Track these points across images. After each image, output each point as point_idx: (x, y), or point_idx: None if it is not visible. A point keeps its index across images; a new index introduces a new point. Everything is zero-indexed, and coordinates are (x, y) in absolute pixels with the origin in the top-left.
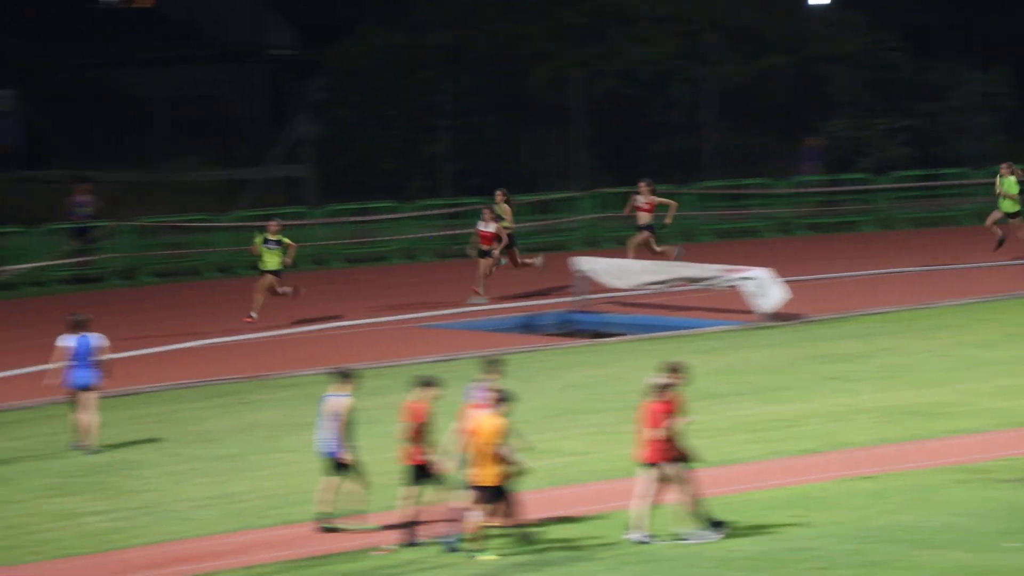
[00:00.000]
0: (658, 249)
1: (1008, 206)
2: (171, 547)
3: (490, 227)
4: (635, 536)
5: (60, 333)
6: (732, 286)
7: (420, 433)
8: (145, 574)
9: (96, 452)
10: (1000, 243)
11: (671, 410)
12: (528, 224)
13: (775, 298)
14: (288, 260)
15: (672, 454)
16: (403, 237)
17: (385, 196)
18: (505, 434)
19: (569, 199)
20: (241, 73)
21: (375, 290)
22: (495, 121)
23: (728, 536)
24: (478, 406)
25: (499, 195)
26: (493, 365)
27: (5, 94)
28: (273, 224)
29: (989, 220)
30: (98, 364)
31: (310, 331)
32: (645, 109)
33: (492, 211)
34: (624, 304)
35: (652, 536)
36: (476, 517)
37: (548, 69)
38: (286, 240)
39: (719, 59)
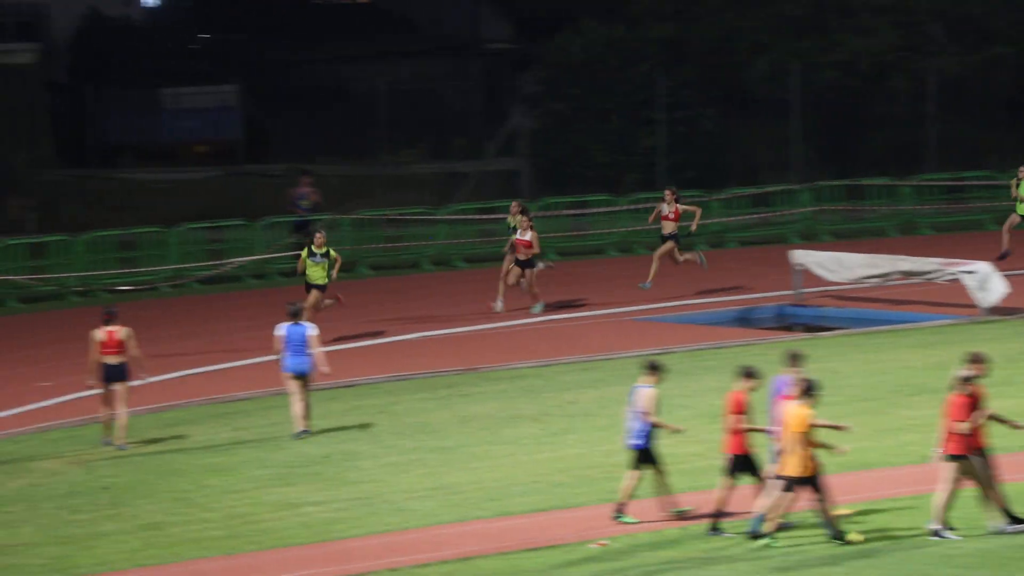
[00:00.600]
0: (681, 258)
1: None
2: (389, 538)
3: (527, 235)
4: (933, 527)
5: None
6: (952, 280)
7: (740, 424)
8: (364, 564)
9: (303, 436)
10: (1003, 255)
11: (974, 402)
12: (745, 217)
13: (996, 292)
14: (334, 274)
15: (975, 446)
16: (618, 230)
17: (600, 189)
18: (813, 424)
19: (787, 192)
20: (457, 67)
21: (590, 282)
22: (712, 114)
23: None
24: (786, 397)
25: (514, 206)
26: (797, 358)
27: (228, 89)
28: (319, 237)
29: (1006, 225)
30: (311, 352)
31: (526, 324)
32: (865, 101)
33: (529, 218)
34: (842, 298)
35: (949, 528)
36: (783, 506)
37: (766, 61)
38: (333, 253)
39: (941, 50)
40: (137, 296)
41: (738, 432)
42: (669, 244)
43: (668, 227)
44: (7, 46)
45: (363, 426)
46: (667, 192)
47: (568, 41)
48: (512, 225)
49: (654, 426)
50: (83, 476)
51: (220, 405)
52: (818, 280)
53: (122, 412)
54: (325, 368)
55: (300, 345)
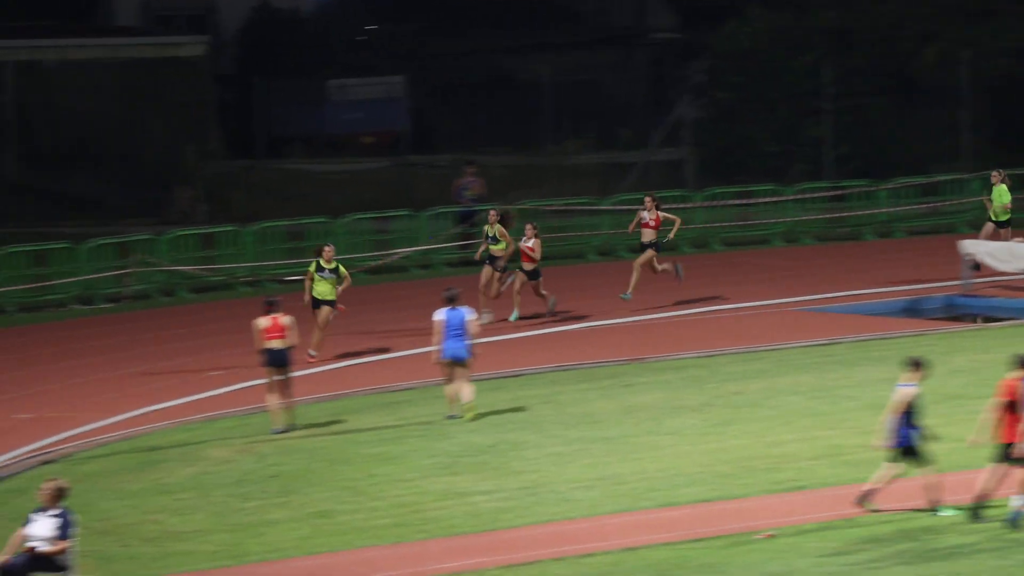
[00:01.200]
0: (660, 268)
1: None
2: (554, 527)
3: (530, 242)
4: None
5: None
6: None
7: (1012, 411)
8: (529, 553)
9: (457, 417)
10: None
11: None
12: (913, 207)
13: None
14: (340, 290)
15: None
16: (784, 220)
17: (766, 179)
18: None
19: (957, 181)
20: (623, 57)
21: (755, 272)
22: (879, 103)
23: None
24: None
25: (492, 215)
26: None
27: (394, 80)
28: (327, 250)
29: (982, 234)
30: (470, 337)
31: (690, 314)
32: None
33: (534, 225)
34: (1012, 288)
35: None
36: None
37: (935, 50)
38: (343, 270)
39: None
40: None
41: (1012, 420)
42: (648, 253)
43: (647, 235)
44: (177, 39)
45: (528, 416)
46: (647, 199)
47: (734, 30)
48: (491, 234)
49: (914, 425)
50: (253, 464)
51: (386, 394)
52: (989, 270)
53: (288, 398)
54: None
55: (459, 330)
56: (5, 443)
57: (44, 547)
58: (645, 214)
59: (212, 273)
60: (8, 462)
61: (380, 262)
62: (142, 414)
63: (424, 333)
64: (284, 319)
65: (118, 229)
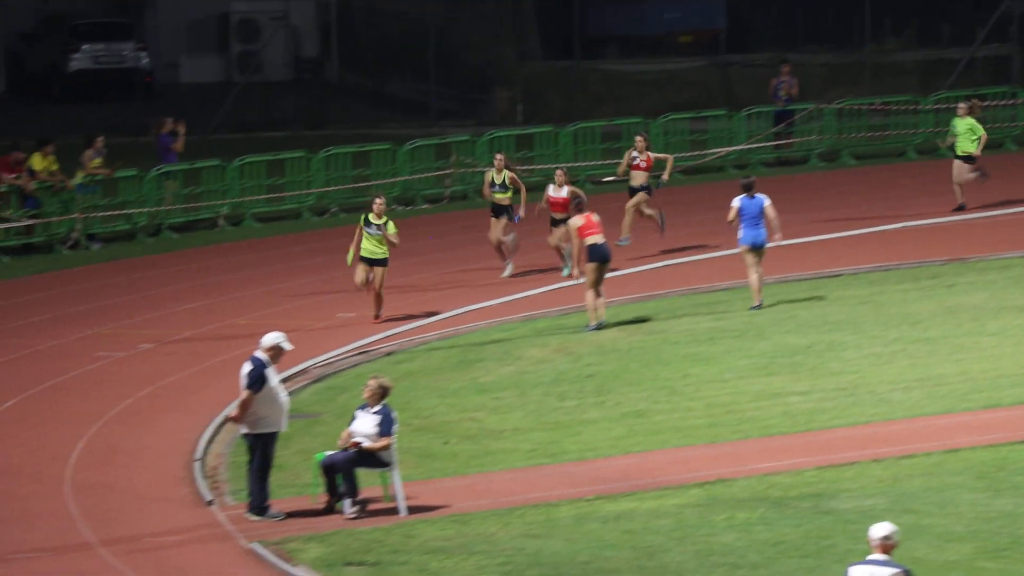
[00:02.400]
0: (647, 212)
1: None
2: (872, 428)
3: (562, 192)
4: None
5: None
6: None
7: None
8: (846, 454)
9: (759, 307)
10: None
11: None
12: None
13: None
14: (394, 242)
15: None
16: None
17: None
18: None
19: None
20: None
21: None
22: None
23: None
24: None
25: (499, 159)
26: None
27: None
28: (377, 203)
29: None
30: (768, 224)
31: (1013, 213)
32: None
33: (564, 172)
34: None
35: None
36: None
37: None
38: (392, 225)
39: None
40: (616, 187)
41: None
42: (640, 195)
43: (638, 178)
44: None
45: (846, 316)
46: (638, 138)
47: None
48: (500, 181)
49: None
50: (569, 364)
51: (701, 295)
52: None
53: (601, 295)
54: (779, 236)
55: (757, 217)
56: (329, 341)
57: (367, 443)
58: (636, 155)
59: (528, 174)
60: (332, 360)
61: (696, 162)
62: (461, 313)
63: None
64: (595, 216)
65: (437, 130)
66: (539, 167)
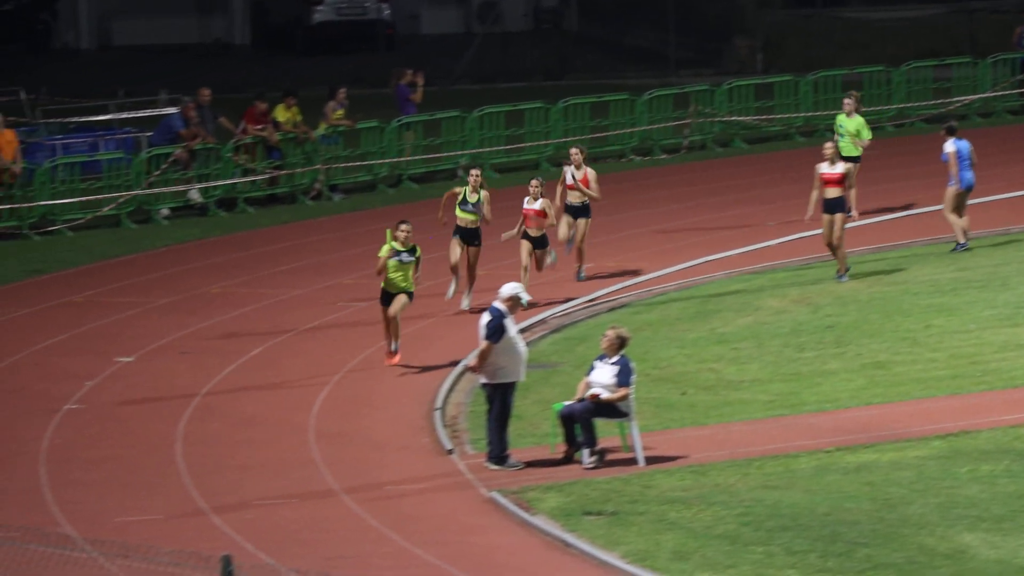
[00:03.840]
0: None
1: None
2: None
3: (536, 204)
4: None
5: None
6: None
7: None
8: None
9: (964, 247)
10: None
11: None
12: None
13: None
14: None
15: None
16: None
17: None
18: None
19: None
20: None
21: None
22: None
23: None
24: None
25: (473, 176)
26: None
27: None
28: (402, 229)
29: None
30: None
31: None
32: None
33: (540, 181)
34: None
35: None
36: None
37: None
38: (419, 251)
39: None
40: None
41: None
42: (583, 222)
43: (574, 197)
44: None
45: None
46: (574, 151)
47: None
48: (473, 201)
49: None
50: (808, 315)
51: (943, 244)
52: None
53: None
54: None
55: (969, 159)
56: (566, 292)
57: (605, 394)
58: (573, 171)
59: (768, 123)
60: (570, 310)
61: (941, 111)
62: (698, 264)
63: (980, 182)
64: (840, 168)
65: (676, 80)
66: (780, 116)
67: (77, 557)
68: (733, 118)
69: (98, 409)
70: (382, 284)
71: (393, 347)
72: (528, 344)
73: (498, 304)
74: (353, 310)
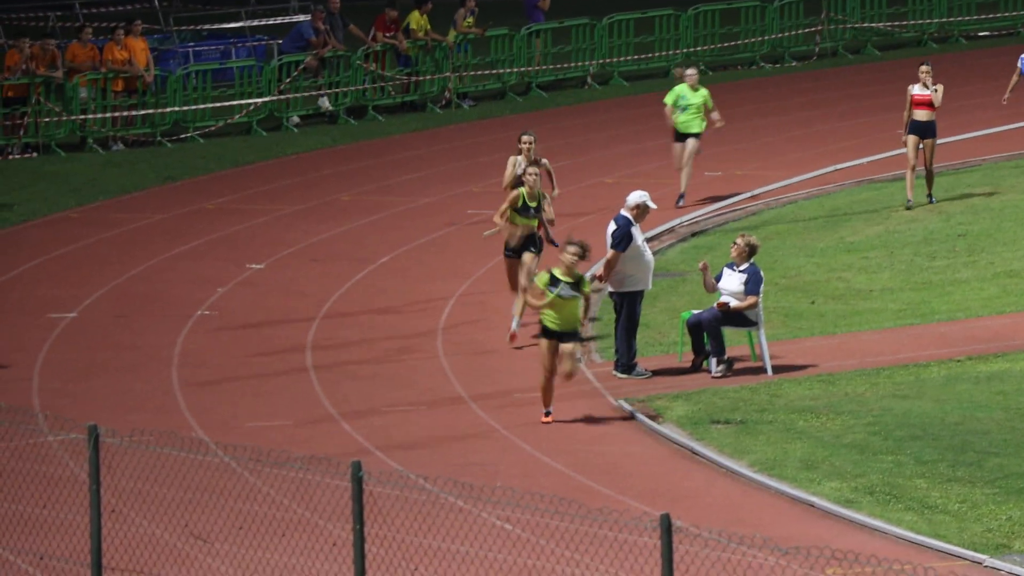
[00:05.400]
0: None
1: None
2: None
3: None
4: None
5: None
6: None
7: None
8: None
9: None
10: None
11: None
12: None
13: None
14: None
15: None
16: None
17: None
18: None
19: None
20: None
21: None
22: None
23: None
24: None
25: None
26: None
27: None
28: (524, 141)
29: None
30: None
31: None
32: None
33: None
34: None
35: None
36: None
37: None
38: (586, 283)
39: None
40: (998, 42)
41: None
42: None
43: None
44: None
45: None
46: (525, 137)
47: None
48: (533, 204)
49: None
50: (939, 223)
51: None
52: None
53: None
54: None
55: None
56: (695, 199)
57: (734, 302)
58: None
59: (901, 30)
60: (699, 218)
61: None
62: (828, 172)
63: None
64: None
65: None
66: (913, 22)
67: (210, 462)
68: (865, 24)
69: (229, 316)
70: (542, 319)
71: (547, 411)
72: (656, 253)
73: (625, 212)
74: (481, 218)
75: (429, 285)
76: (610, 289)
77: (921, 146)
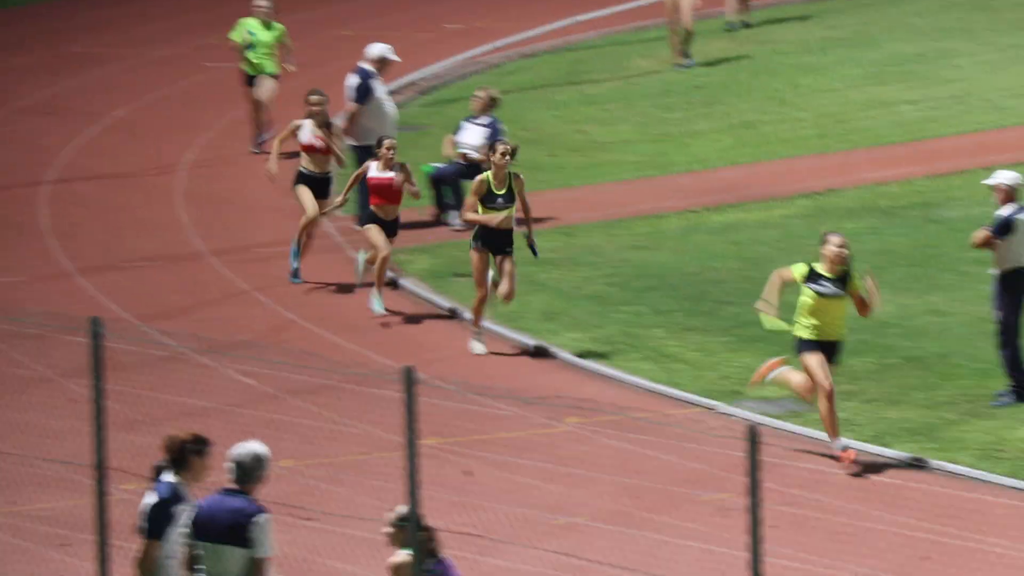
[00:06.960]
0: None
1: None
2: (983, 136)
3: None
4: None
5: None
6: None
7: None
8: (955, 162)
9: None
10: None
11: None
12: None
13: None
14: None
15: None
16: None
17: None
18: None
19: None
20: None
21: None
22: None
23: None
24: None
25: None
26: None
27: None
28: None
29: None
30: None
31: None
32: None
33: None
34: None
35: None
36: None
37: None
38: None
39: None
40: None
41: None
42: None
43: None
44: None
45: (959, 22)
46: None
47: None
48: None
49: None
50: (677, 75)
51: (813, 4)
52: None
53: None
54: None
55: None
56: (435, 53)
57: (474, 155)
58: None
59: None
60: (439, 72)
61: None
62: (568, 24)
63: None
64: None
65: None
66: None
67: None
68: None
69: None
70: (814, 332)
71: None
72: (397, 106)
73: (365, 64)
74: (218, 70)
75: (170, 138)
76: (350, 142)
77: None
